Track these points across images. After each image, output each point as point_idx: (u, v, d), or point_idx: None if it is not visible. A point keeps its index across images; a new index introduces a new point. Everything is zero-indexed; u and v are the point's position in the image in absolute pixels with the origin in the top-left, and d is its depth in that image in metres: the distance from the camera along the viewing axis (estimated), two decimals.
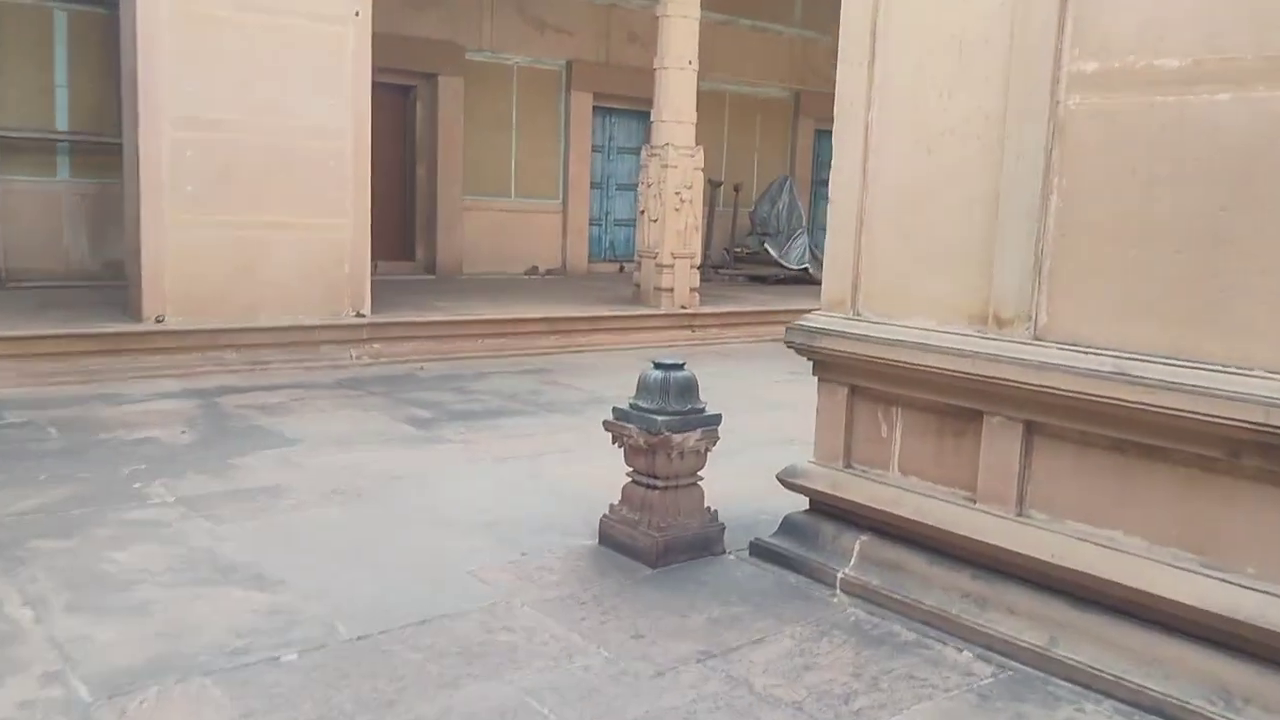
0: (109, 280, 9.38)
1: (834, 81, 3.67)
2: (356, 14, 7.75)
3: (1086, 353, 2.87)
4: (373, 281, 8.19)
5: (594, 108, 12.70)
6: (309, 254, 7.79)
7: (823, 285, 3.81)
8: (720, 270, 12.95)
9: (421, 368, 7.92)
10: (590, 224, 13.02)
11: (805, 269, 13.20)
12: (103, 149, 9.48)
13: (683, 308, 9.87)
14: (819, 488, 3.72)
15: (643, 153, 9.94)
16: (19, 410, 5.95)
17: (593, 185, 13.00)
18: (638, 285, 10.12)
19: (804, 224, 13.42)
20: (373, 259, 8.63)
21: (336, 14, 7.67)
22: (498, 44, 11.87)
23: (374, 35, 8.53)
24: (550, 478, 4.96)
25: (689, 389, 3.84)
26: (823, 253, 3.86)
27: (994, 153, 3.14)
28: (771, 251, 13.12)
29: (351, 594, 3.40)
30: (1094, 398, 2.81)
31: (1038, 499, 3.08)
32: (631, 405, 3.85)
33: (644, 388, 3.85)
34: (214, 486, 4.61)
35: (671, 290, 9.82)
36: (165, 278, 7.27)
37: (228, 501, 4.40)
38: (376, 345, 8.05)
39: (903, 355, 3.38)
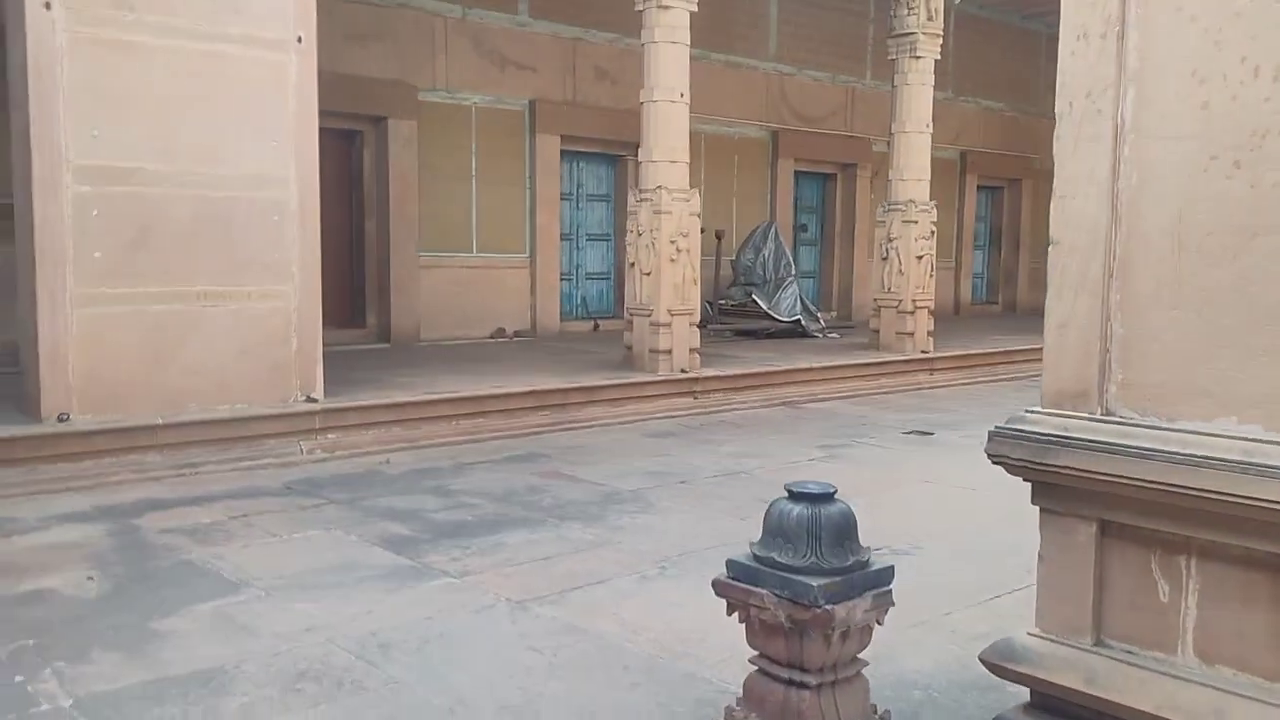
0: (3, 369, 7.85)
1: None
2: (299, 40, 6.48)
3: None
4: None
5: (561, 151, 11.52)
6: (248, 329, 6.42)
7: (1045, 369, 2.60)
8: (706, 325, 11.76)
9: (387, 461, 6.56)
10: (560, 279, 11.77)
11: (797, 320, 12.09)
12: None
13: (683, 371, 8.64)
14: (1059, 681, 2.45)
15: (630, 197, 8.76)
16: None
17: (562, 236, 11.77)
18: (629, 347, 8.87)
19: (793, 272, 12.33)
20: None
21: (276, 39, 6.39)
22: (453, 82, 10.65)
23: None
24: (599, 634, 3.64)
25: (847, 531, 2.57)
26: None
27: None
28: (760, 303, 11.99)
29: None
30: None
31: None
32: (758, 557, 2.56)
33: (779, 531, 2.57)
34: (129, 675, 3.23)
35: (670, 352, 8.59)
36: (69, 366, 5.84)
37: (148, 703, 3.01)
38: (332, 435, 6.66)
39: (1204, 480, 2.16)
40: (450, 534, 4.91)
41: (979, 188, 16.48)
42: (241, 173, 6.33)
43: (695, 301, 8.81)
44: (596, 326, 12.13)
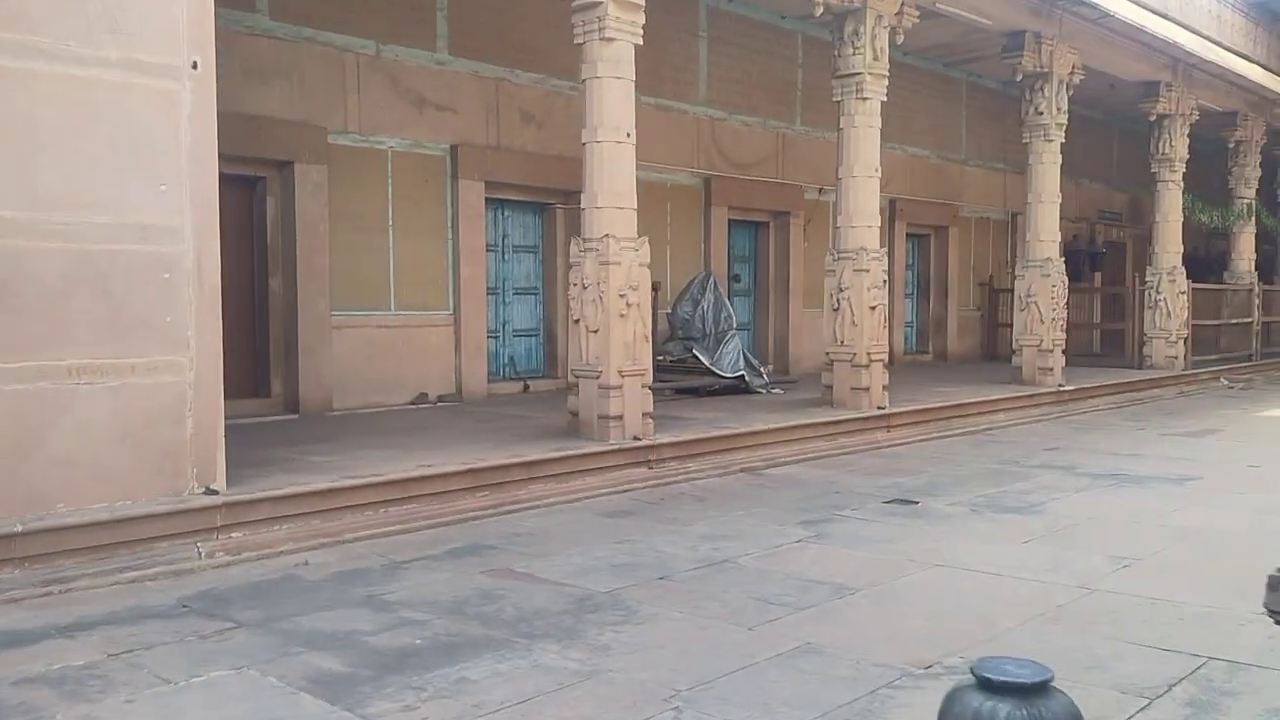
0: None
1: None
2: (194, 66, 5.48)
3: None
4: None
5: (485, 199, 10.62)
6: (132, 409, 5.32)
7: None
8: None
9: (306, 562, 5.50)
10: (487, 336, 10.81)
11: (741, 376, 11.36)
12: None
13: (636, 439, 7.77)
14: None
15: (573, 247, 7.91)
16: None
17: (487, 291, 10.83)
18: (575, 413, 7.97)
19: (733, 325, 11.63)
20: None
21: (164, 65, 5.39)
22: (367, 125, 9.69)
23: None
24: None
25: None
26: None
27: None
28: (701, 358, 11.23)
29: None
30: None
31: None
32: None
33: None
34: None
35: (621, 418, 7.71)
36: None
37: None
38: (237, 534, 5.57)
39: None
40: (396, 667, 3.91)
41: (907, 235, 16.14)
42: (124, 221, 5.27)
43: (647, 361, 7.98)
44: (526, 388, 11.19)
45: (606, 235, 7.65)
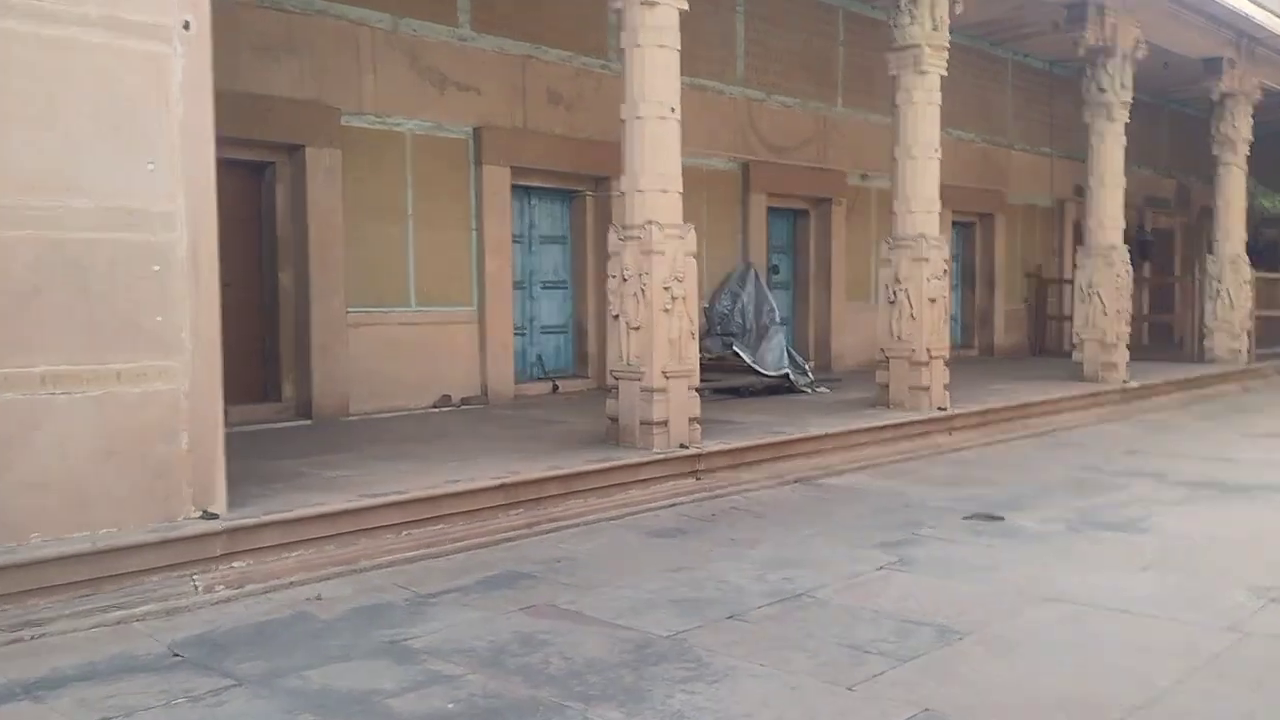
0: None
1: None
2: (186, 26, 4.76)
3: None
4: (225, 435, 5.06)
5: (511, 186, 9.88)
6: (118, 423, 4.61)
7: None
8: None
9: (318, 596, 4.79)
10: (514, 334, 10.08)
11: (785, 374, 10.59)
12: None
13: (682, 447, 7.02)
14: None
15: (611, 236, 7.16)
16: None
17: (514, 285, 10.10)
18: (613, 419, 7.22)
19: (776, 319, 10.86)
20: (224, 401, 5.52)
21: (153, 25, 4.67)
22: (384, 105, 8.97)
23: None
24: None
25: None
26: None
27: None
28: (743, 356, 10.47)
29: None
30: None
31: None
32: None
33: None
34: None
35: (666, 424, 6.97)
36: None
37: None
38: (240, 564, 4.86)
39: None
40: None
41: (953, 224, 15.30)
42: (105, 205, 4.55)
43: (694, 360, 7.23)
44: (555, 388, 10.46)
45: (649, 222, 6.90)
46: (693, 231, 7.15)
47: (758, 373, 10.45)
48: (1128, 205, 19.02)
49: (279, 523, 5.03)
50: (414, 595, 4.81)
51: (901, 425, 8.79)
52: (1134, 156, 18.31)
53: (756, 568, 5.24)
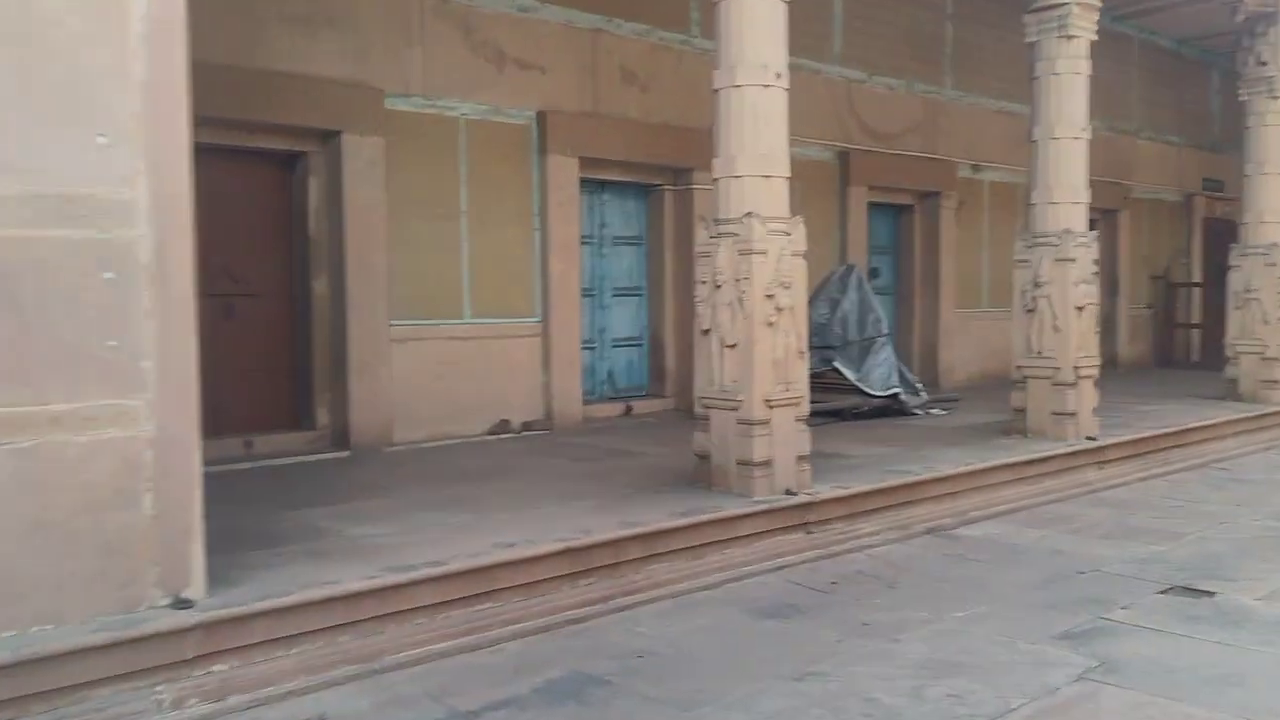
0: None
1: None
2: None
3: None
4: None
5: (580, 179, 8.63)
6: (54, 483, 3.44)
7: None
8: None
9: (322, 716, 3.55)
10: (581, 348, 8.82)
11: (895, 394, 9.17)
12: None
13: (789, 493, 5.68)
14: None
15: (700, 233, 5.85)
16: None
17: (583, 292, 8.85)
18: (703, 455, 5.91)
19: (884, 330, 9.44)
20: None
21: None
22: (434, 86, 7.78)
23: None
24: None
25: None
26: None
27: None
28: (846, 373, 9.08)
29: None
30: None
31: None
32: None
33: None
34: None
35: (769, 464, 5.63)
36: None
37: None
38: (221, 668, 3.66)
39: None
40: None
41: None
42: (35, 191, 3.39)
43: (803, 385, 5.88)
44: (629, 410, 9.19)
45: (749, 214, 5.58)
46: (802, 226, 5.81)
47: (863, 392, 9.05)
48: (1235, 196, 17.15)
49: (274, 611, 3.81)
50: (450, 712, 3.56)
51: (1046, 459, 7.32)
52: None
53: (909, 674, 3.88)
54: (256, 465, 6.53)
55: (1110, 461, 7.84)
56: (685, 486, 5.95)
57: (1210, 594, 4.88)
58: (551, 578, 4.62)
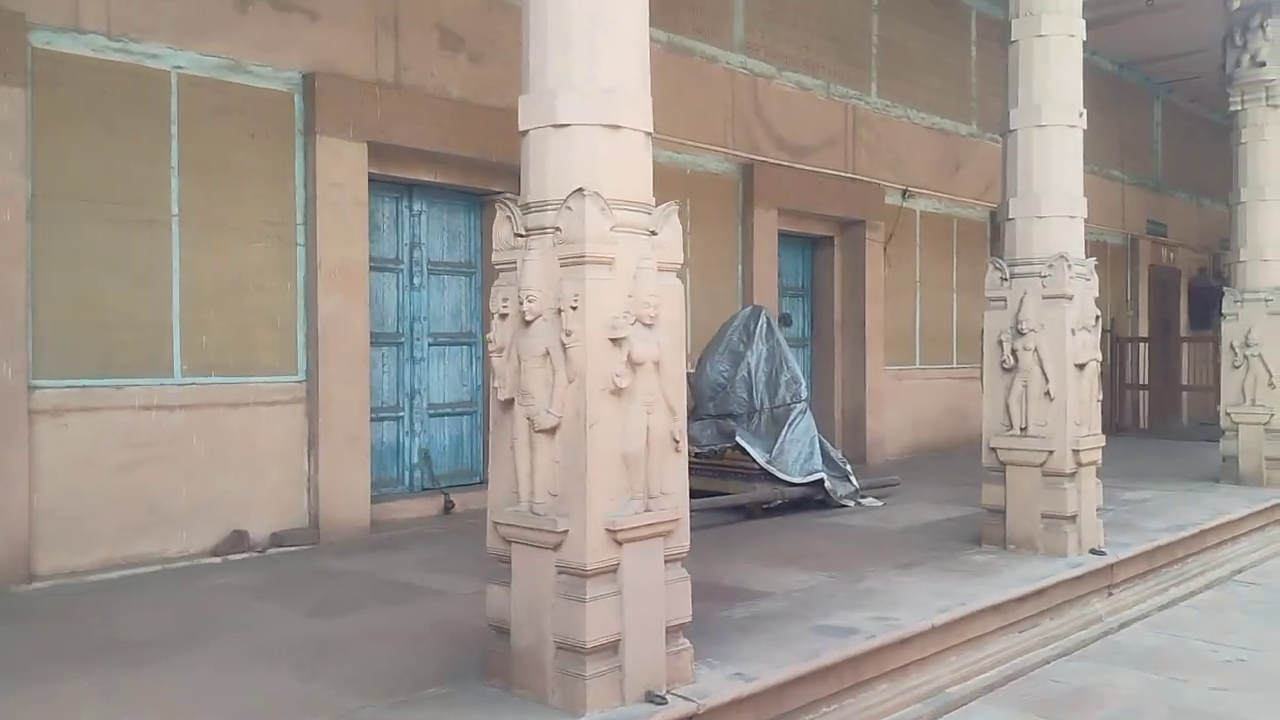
0: None
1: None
2: None
3: None
4: None
5: (370, 178, 6.03)
6: None
7: None
8: None
9: None
10: (373, 418, 6.12)
11: (818, 480, 6.73)
12: None
13: (653, 699, 3.10)
14: None
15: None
16: None
17: (376, 339, 6.17)
18: (501, 630, 3.27)
19: (802, 395, 7.01)
20: None
21: None
22: (120, 21, 5.12)
23: None
24: None
25: None
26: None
27: None
28: (752, 453, 6.61)
29: None
30: None
31: None
32: None
33: None
34: None
35: (615, 650, 3.06)
36: None
37: None
38: None
39: None
40: None
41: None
42: None
43: (680, 496, 3.35)
44: (449, 506, 6.53)
45: (579, 191, 3.07)
46: (675, 221, 3.33)
47: (776, 479, 6.58)
48: (1203, 247, 15.47)
49: None
50: None
51: (1043, 591, 4.91)
52: (1209, 188, 14.83)
53: None
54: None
55: (1120, 584, 5.51)
56: (475, 677, 3.35)
57: None
58: None
